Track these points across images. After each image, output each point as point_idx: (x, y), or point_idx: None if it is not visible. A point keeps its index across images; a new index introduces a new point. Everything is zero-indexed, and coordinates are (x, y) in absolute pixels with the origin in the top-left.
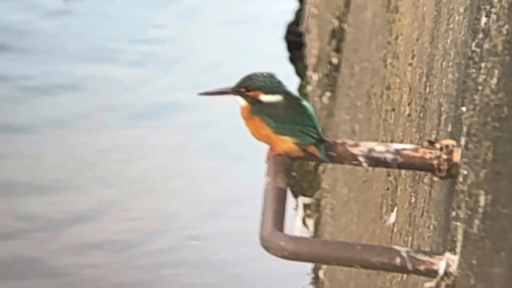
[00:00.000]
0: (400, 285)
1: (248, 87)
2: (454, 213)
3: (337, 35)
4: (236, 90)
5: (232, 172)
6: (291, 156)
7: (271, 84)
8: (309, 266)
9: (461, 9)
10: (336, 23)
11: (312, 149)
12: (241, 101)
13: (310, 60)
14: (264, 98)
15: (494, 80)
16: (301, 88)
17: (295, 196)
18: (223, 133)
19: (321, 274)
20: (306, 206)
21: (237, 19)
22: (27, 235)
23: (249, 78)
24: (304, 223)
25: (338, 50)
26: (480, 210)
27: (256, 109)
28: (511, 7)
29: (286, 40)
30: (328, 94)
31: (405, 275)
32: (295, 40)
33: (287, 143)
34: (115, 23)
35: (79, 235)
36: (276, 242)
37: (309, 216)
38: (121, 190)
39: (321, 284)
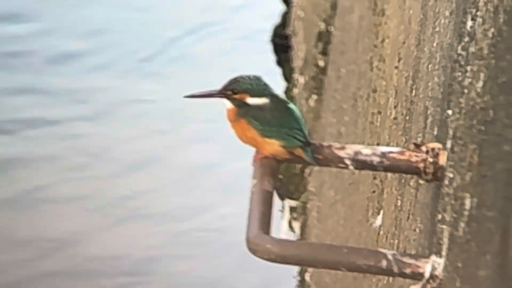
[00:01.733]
0: None
1: (234, 90)
2: (440, 216)
3: (324, 37)
4: (223, 92)
5: None
6: (278, 159)
7: (258, 86)
8: (295, 269)
9: (447, 13)
10: (322, 25)
11: (299, 151)
12: (227, 104)
13: (297, 63)
14: (251, 100)
15: (480, 84)
16: (288, 90)
17: (282, 198)
18: None
19: (307, 277)
20: (292, 209)
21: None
22: None
23: (235, 80)
24: (290, 226)
25: (324, 52)
26: (466, 213)
27: (242, 111)
28: (497, 11)
29: (273, 43)
30: (314, 97)
31: (391, 278)
32: (281, 43)
33: (274, 146)
34: None
35: None
36: (262, 245)
37: (295, 218)
38: None
39: (307, 287)
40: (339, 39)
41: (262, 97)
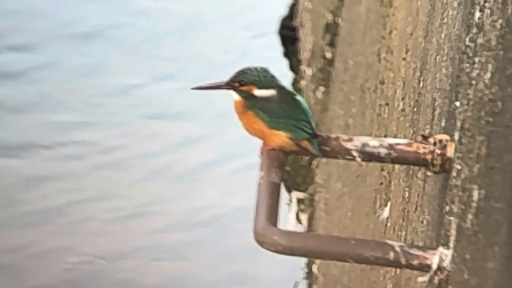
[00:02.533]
0: (393, 280)
1: (241, 82)
2: (447, 208)
3: (331, 29)
4: (230, 84)
5: None
6: (285, 151)
7: (265, 78)
8: (303, 260)
9: (455, 4)
10: (330, 17)
11: (306, 143)
12: (234, 96)
13: (304, 55)
14: (258, 92)
15: (488, 75)
16: (295, 82)
17: (289, 191)
18: None
19: (314, 268)
20: (299, 201)
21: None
22: None
23: (242, 72)
24: (297, 218)
25: (332, 44)
26: (474, 204)
27: (249, 103)
28: (505, 2)
29: (280, 35)
30: (322, 88)
31: (398, 270)
32: (289, 35)
33: (281, 138)
34: None
35: None
36: (269, 237)
37: (302, 210)
38: None
39: (314, 279)
40: (346, 30)
41: (269, 89)
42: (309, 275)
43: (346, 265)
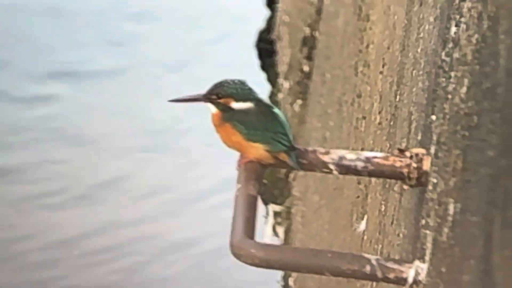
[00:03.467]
0: None
1: (219, 94)
2: (423, 221)
3: (309, 42)
4: (207, 97)
5: None
6: (263, 163)
7: (242, 91)
8: (279, 273)
9: (431, 19)
10: (307, 30)
11: (283, 156)
12: (212, 109)
13: (282, 68)
14: (235, 105)
15: (464, 89)
16: (272, 95)
17: (266, 203)
18: None
19: (291, 281)
20: (276, 214)
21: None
22: None
23: (220, 85)
24: (274, 230)
25: (309, 57)
26: (450, 218)
27: (227, 116)
28: (481, 17)
29: (257, 48)
30: (299, 101)
31: (375, 283)
32: (266, 48)
33: (258, 150)
34: None
35: None
36: (246, 250)
37: (279, 223)
38: None
39: None
40: (324, 44)
41: (247, 102)
42: None
43: (323, 278)
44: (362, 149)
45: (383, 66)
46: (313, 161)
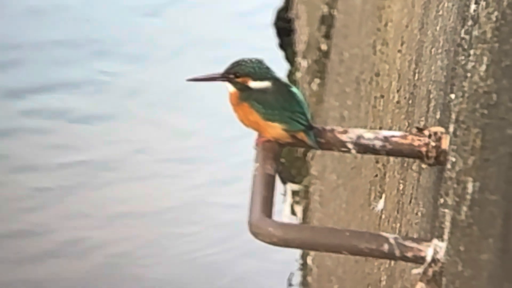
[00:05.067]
0: (387, 272)
1: (236, 73)
2: (442, 200)
3: (327, 21)
4: (225, 76)
5: None
6: (280, 143)
7: (260, 70)
8: (298, 252)
9: None
10: (325, 9)
11: (301, 135)
12: (230, 88)
13: (300, 47)
14: (253, 84)
15: (483, 67)
16: (291, 74)
17: (284, 182)
18: None
19: (309, 260)
20: (294, 193)
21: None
22: None
23: (237, 64)
24: (292, 210)
25: (327, 36)
26: (468, 197)
27: (245, 95)
28: None
29: (276, 26)
30: (317, 80)
31: (392, 262)
32: (284, 26)
33: (276, 129)
34: None
35: None
36: (264, 228)
37: (297, 202)
38: None
39: (309, 271)
40: (342, 22)
41: (264, 81)
42: (304, 266)
43: (341, 257)
44: (380, 128)
45: (401, 45)
46: (331, 140)
